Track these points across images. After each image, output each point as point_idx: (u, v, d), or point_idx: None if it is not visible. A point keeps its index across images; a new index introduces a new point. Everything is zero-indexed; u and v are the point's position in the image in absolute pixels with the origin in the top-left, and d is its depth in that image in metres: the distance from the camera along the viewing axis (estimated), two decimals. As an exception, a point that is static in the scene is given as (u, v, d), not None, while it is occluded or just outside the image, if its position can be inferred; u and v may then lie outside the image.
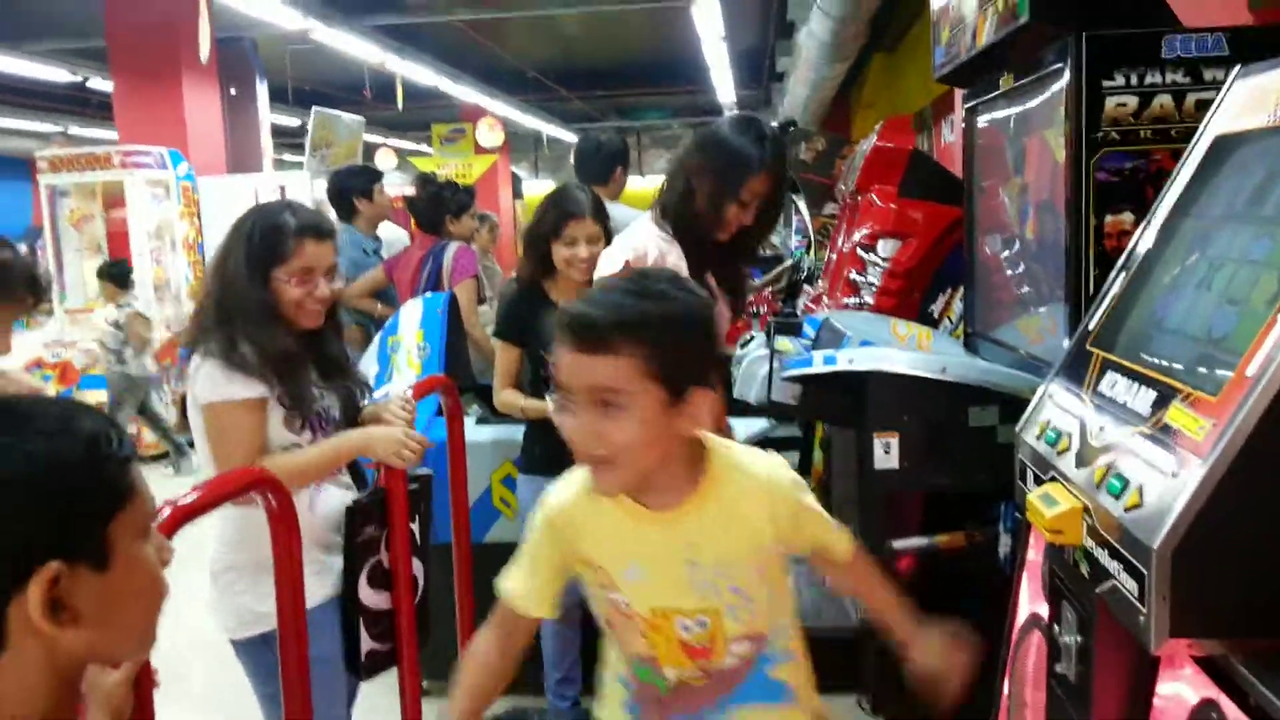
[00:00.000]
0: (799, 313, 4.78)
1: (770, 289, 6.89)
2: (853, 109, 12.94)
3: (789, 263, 8.46)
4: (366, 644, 2.22)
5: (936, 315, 4.46)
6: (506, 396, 2.93)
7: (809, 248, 7.73)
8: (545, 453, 2.84)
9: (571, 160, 4.10)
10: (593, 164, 3.96)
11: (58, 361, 7.63)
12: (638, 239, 2.41)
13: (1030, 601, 2.10)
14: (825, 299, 4.99)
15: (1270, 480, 1.29)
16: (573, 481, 1.57)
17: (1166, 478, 1.36)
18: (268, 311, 2.12)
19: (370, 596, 2.20)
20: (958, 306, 4.18)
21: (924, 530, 3.04)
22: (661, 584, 1.51)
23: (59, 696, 0.90)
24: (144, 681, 1.25)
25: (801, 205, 8.08)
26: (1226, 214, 1.71)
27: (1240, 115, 1.76)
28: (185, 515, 1.38)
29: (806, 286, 6.56)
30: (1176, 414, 1.42)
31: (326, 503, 2.20)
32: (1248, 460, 1.28)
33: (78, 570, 0.88)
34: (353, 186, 4.73)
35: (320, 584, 2.12)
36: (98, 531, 0.89)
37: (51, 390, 7.69)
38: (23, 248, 15.58)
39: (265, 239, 2.14)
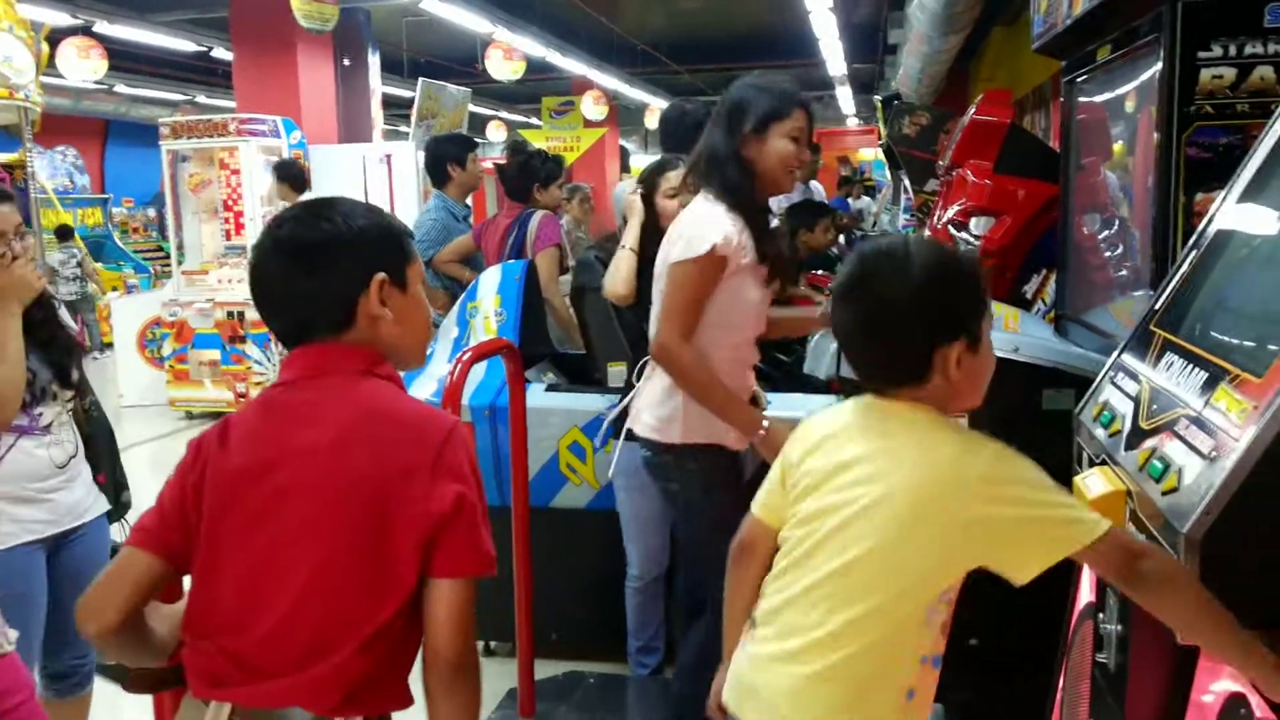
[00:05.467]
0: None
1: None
2: (971, 83, 12.55)
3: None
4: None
5: (1030, 296, 4.31)
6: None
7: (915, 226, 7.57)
8: None
9: (657, 129, 4.07)
10: (677, 132, 3.92)
11: (174, 320, 7.97)
12: (721, 225, 2.33)
13: (1090, 590, 2.04)
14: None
15: (1310, 466, 1.22)
16: None
17: (1205, 461, 1.30)
18: None
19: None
20: (1053, 288, 4.03)
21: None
22: None
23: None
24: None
25: (906, 181, 7.89)
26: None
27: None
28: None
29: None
30: (1223, 396, 1.36)
31: (16, 460, 2.27)
32: (1286, 444, 1.21)
33: (391, 286, 1.39)
34: (447, 154, 4.79)
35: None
36: (405, 267, 1.42)
37: (168, 348, 8.06)
38: (151, 212, 16.14)
39: None
